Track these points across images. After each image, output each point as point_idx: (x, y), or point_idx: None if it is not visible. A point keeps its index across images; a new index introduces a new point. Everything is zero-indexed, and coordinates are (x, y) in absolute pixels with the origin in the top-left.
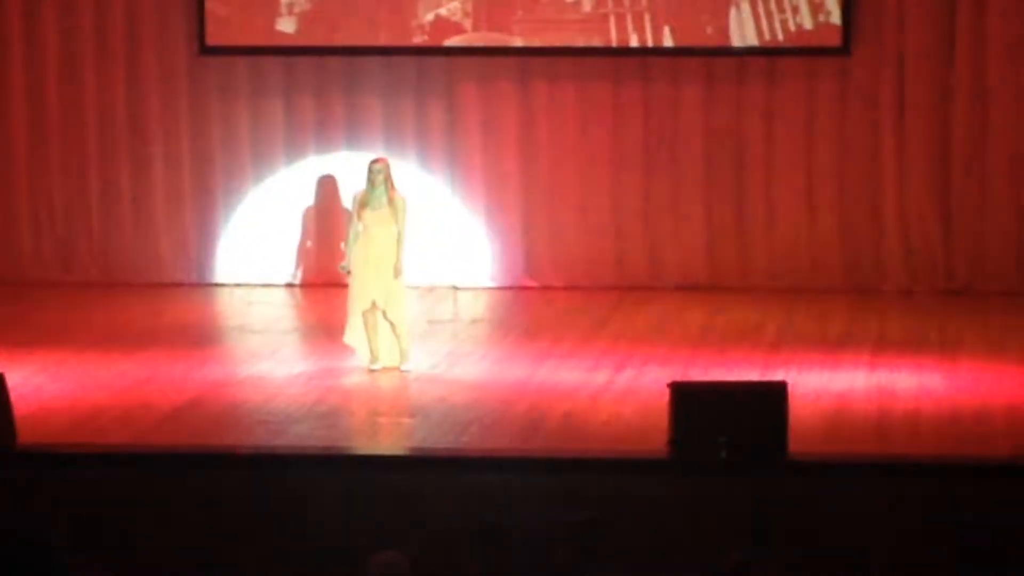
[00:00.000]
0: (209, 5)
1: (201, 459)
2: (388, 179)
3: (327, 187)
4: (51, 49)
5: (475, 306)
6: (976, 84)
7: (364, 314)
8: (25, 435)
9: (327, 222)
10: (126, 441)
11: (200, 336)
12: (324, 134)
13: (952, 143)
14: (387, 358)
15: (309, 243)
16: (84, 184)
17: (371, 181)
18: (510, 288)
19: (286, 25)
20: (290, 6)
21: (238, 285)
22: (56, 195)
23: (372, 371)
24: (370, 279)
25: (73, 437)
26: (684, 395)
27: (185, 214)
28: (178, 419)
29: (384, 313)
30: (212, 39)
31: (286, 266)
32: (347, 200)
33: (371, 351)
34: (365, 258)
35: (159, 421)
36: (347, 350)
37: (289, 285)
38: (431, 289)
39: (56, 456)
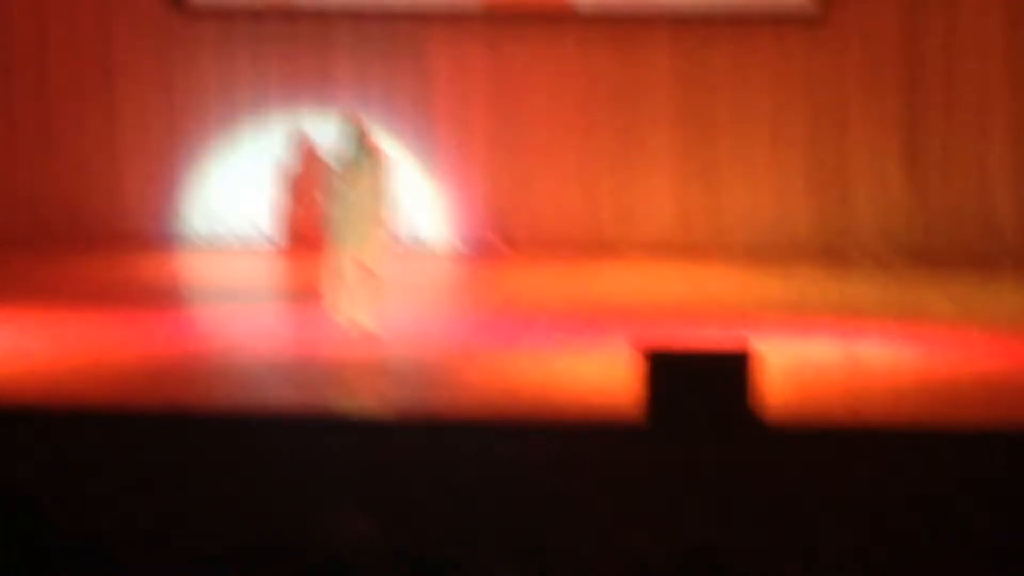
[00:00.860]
0: None
1: (171, 419)
2: (364, 136)
3: (301, 145)
4: (20, 6)
5: (443, 268)
6: (946, 51)
7: (342, 273)
8: None
9: (301, 180)
10: (98, 399)
11: (170, 295)
12: (292, 93)
13: (921, 111)
14: (360, 318)
15: (282, 201)
16: (54, 142)
17: (347, 139)
18: (480, 250)
19: None
20: None
21: (206, 243)
22: (25, 153)
23: (345, 331)
24: (353, 237)
25: (42, 396)
26: (658, 363)
27: (154, 173)
28: (149, 378)
29: (367, 271)
30: None
31: (256, 223)
32: (318, 158)
33: (345, 310)
34: (347, 216)
35: (130, 379)
36: (320, 310)
37: (260, 243)
38: (401, 250)
39: (25, 415)
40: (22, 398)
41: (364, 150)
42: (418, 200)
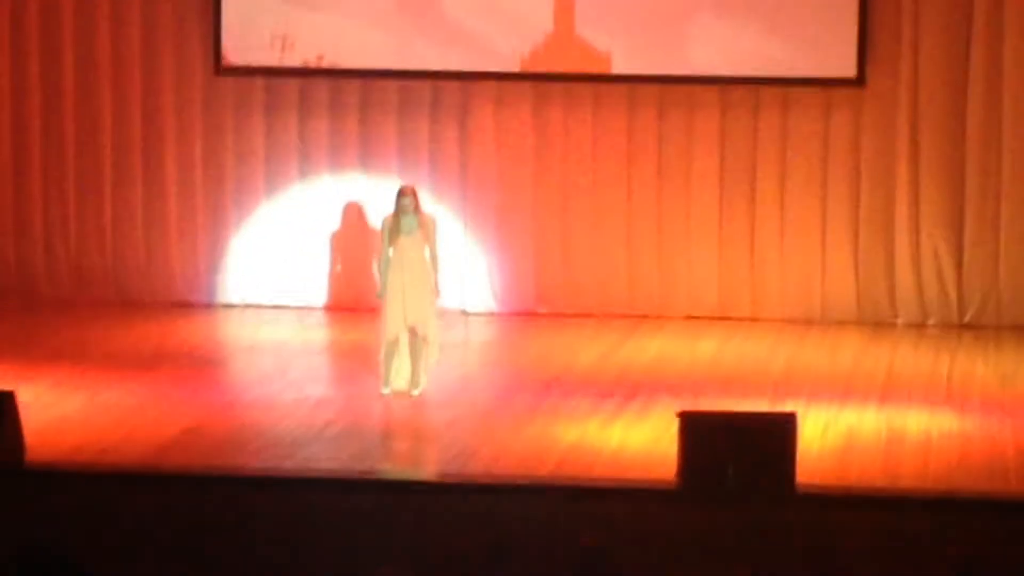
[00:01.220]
0: (226, 24)
1: (208, 480)
2: (416, 204)
3: (347, 210)
4: (67, 68)
5: (485, 331)
6: (991, 117)
7: (391, 338)
8: (34, 453)
9: (347, 246)
10: (134, 460)
11: (210, 356)
12: (338, 156)
13: (966, 177)
14: (399, 382)
15: (327, 266)
16: (98, 203)
17: (401, 208)
18: (521, 314)
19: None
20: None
21: (249, 306)
22: (70, 213)
23: (383, 395)
24: (408, 304)
25: (81, 456)
26: (693, 424)
27: (198, 234)
28: (187, 439)
29: (421, 337)
30: (228, 59)
31: (298, 287)
32: (365, 222)
33: (384, 375)
34: (401, 283)
35: (168, 441)
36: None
37: (301, 307)
38: (442, 313)
39: (64, 474)
40: (61, 459)
41: (416, 216)
42: (461, 263)
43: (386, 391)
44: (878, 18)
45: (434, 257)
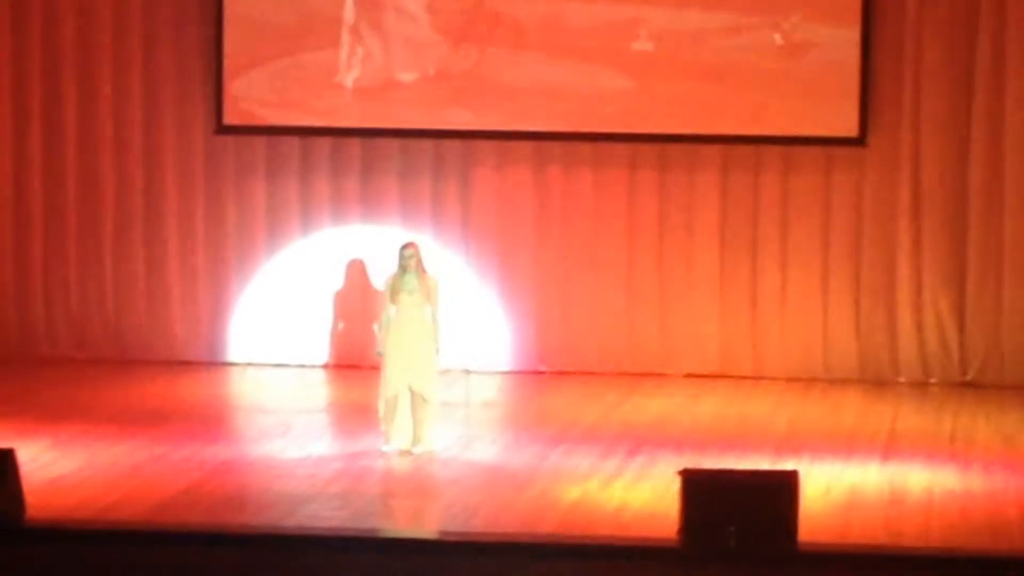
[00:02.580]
0: (228, 83)
1: (210, 538)
2: (419, 263)
3: (349, 268)
4: (69, 127)
5: (488, 390)
6: (993, 176)
7: (391, 396)
8: (34, 511)
9: (349, 304)
10: (135, 519)
11: (212, 415)
12: (340, 215)
13: (968, 235)
14: (400, 440)
15: (328, 324)
16: (99, 261)
17: (403, 266)
18: (523, 372)
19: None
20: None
21: (251, 364)
22: (71, 272)
23: (384, 453)
24: (404, 363)
25: (82, 514)
26: (695, 483)
27: (199, 292)
28: (187, 498)
29: (419, 396)
30: (229, 118)
31: (300, 346)
32: (367, 281)
33: (385, 433)
34: (400, 342)
35: (169, 499)
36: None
37: (302, 365)
38: (444, 372)
39: (64, 532)
40: (61, 517)
41: (417, 274)
42: (464, 321)
43: (387, 449)
44: (880, 78)
45: (435, 317)
